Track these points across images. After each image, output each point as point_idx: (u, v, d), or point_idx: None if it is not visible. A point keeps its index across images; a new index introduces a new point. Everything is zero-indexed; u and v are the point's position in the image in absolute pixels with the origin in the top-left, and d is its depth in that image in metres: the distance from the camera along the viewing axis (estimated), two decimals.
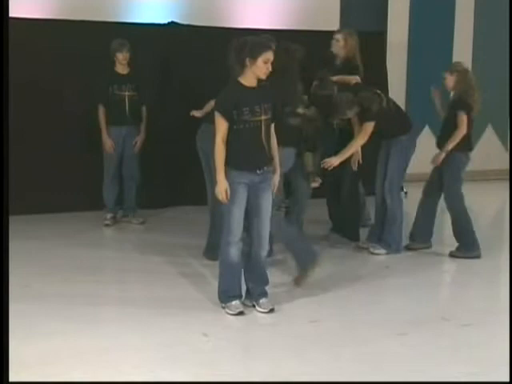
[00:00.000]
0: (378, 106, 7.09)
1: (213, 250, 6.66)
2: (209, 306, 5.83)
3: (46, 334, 5.15)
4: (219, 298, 5.73)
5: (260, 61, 5.36)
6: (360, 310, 5.84)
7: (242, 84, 5.46)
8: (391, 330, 5.35)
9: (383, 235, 7.42)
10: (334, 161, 7.05)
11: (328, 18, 10.53)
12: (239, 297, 5.72)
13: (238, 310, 5.62)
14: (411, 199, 8.31)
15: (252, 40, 5.43)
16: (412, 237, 7.59)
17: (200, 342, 5.07)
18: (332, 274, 6.82)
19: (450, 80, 7.27)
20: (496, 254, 7.63)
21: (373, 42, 9.83)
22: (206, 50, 9.00)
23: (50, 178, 8.80)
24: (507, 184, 10.13)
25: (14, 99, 7.21)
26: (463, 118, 7.12)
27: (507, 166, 11.80)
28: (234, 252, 5.57)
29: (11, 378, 4.17)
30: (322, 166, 7.03)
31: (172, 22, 9.41)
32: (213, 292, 5.86)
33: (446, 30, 11.72)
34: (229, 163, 5.45)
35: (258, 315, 5.66)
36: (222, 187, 5.42)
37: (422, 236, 7.57)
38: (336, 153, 7.15)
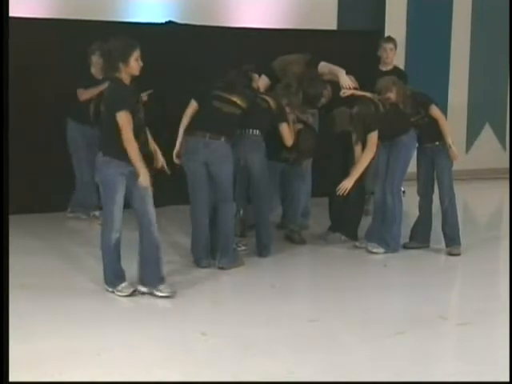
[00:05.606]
0: (375, 114, 7.14)
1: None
2: (206, 305, 5.84)
3: (45, 333, 5.16)
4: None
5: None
6: (358, 309, 5.85)
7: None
8: (389, 329, 5.36)
9: (382, 234, 7.42)
10: (348, 183, 7.07)
11: (325, 16, 10.53)
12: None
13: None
14: (410, 199, 8.30)
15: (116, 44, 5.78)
16: (411, 236, 7.61)
17: (199, 341, 5.09)
18: (330, 273, 6.83)
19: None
20: (495, 253, 7.64)
21: (370, 41, 9.83)
22: (205, 50, 9.01)
23: (50, 178, 8.79)
24: (505, 183, 10.13)
25: (13, 99, 7.21)
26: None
27: (505, 165, 11.78)
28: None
29: (11, 378, 4.18)
30: (338, 193, 7.08)
31: (170, 22, 9.41)
32: (209, 291, 5.87)
33: (444, 29, 11.72)
34: None
35: (256, 314, 5.68)
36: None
37: (420, 235, 7.59)
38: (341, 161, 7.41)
